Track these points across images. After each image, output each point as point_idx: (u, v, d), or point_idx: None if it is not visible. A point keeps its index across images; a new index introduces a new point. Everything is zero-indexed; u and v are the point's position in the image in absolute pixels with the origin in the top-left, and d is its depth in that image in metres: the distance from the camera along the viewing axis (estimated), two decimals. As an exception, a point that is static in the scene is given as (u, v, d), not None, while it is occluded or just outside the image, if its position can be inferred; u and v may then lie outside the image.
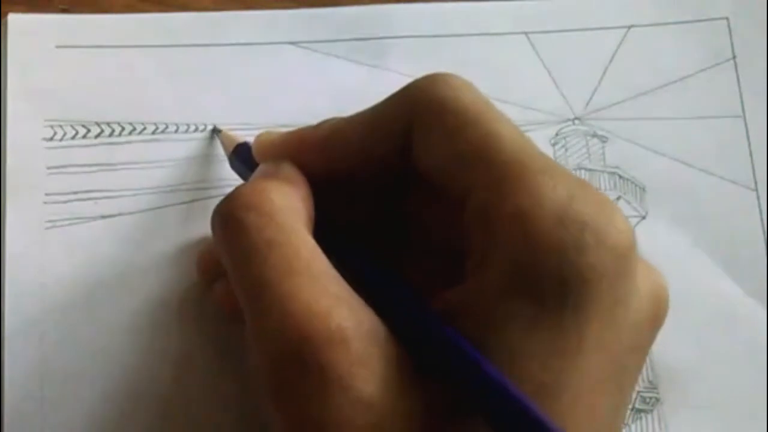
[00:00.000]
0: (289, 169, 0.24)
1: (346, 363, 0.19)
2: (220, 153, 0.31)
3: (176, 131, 0.32)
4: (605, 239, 0.19)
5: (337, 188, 0.24)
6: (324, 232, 0.23)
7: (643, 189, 0.33)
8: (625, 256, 0.19)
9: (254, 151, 0.26)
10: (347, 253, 0.23)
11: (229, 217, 0.22)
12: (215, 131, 0.31)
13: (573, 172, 0.25)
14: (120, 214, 0.31)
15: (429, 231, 0.24)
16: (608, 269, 0.19)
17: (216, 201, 0.31)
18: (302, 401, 0.19)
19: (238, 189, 0.23)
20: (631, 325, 0.20)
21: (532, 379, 0.18)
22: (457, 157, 0.21)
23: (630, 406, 0.30)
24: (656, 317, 0.21)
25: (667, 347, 0.31)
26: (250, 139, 0.32)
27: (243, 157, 0.28)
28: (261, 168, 0.25)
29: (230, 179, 0.31)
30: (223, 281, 0.28)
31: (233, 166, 0.29)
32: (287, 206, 0.22)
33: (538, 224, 0.19)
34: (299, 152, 0.24)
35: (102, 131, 0.31)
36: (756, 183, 0.33)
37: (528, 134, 0.32)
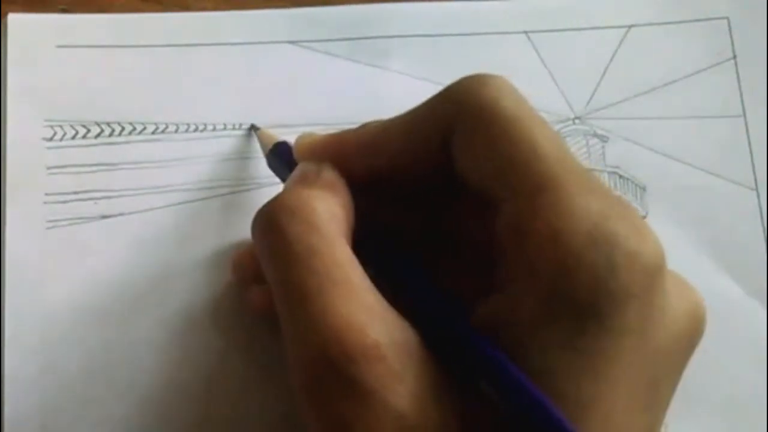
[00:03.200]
0: (330, 174, 0.24)
1: (380, 378, 0.19)
2: (221, 153, 0.31)
3: (176, 131, 0.32)
4: (636, 259, 0.19)
5: (377, 192, 0.24)
6: (363, 238, 0.23)
7: (643, 189, 0.33)
8: (656, 276, 0.19)
9: (295, 152, 0.26)
10: (384, 262, 0.23)
11: (272, 222, 0.22)
12: (253, 128, 0.31)
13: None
14: (120, 215, 0.31)
15: (467, 237, 0.24)
16: (640, 289, 0.19)
17: (217, 201, 0.31)
18: (335, 413, 0.19)
19: (280, 195, 0.23)
20: (666, 343, 0.20)
21: (565, 398, 0.18)
22: (495, 163, 0.21)
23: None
24: (692, 336, 0.21)
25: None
26: (253, 141, 0.32)
27: (282, 156, 0.28)
28: (301, 169, 0.25)
29: (231, 179, 0.31)
30: (259, 286, 0.28)
31: (270, 165, 0.29)
32: (329, 214, 0.22)
33: (570, 243, 0.19)
34: (340, 154, 0.24)
35: (102, 131, 0.31)
36: (756, 183, 0.33)
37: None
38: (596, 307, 0.19)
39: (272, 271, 0.22)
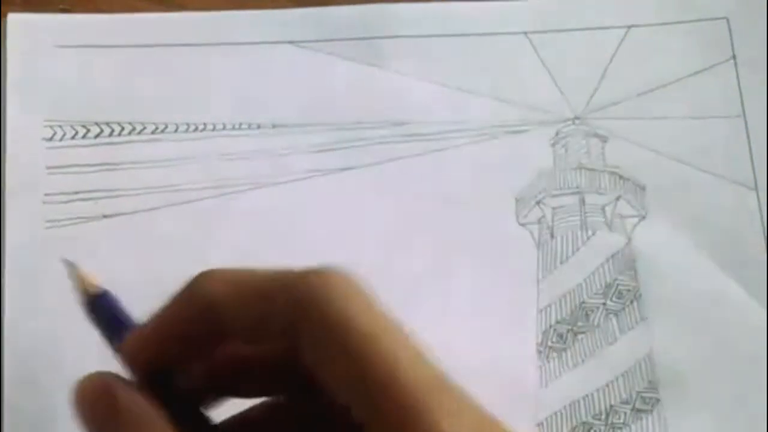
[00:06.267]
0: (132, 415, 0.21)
1: None
2: (221, 153, 0.31)
3: (176, 131, 0.32)
4: None
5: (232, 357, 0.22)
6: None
7: (643, 189, 0.33)
8: None
9: (125, 360, 0.23)
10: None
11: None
12: (69, 265, 0.25)
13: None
14: (120, 214, 0.31)
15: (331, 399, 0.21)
16: None
17: (216, 201, 0.31)
18: None
19: None
20: None
21: None
22: (354, 384, 0.19)
23: (630, 407, 0.30)
24: None
25: (667, 347, 0.31)
26: (252, 141, 0.32)
27: (102, 312, 0.24)
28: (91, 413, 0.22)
29: (231, 179, 0.31)
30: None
31: (89, 316, 0.24)
32: None
33: None
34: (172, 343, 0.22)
35: (102, 131, 0.31)
36: (756, 183, 0.33)
37: (528, 134, 0.33)
38: None
39: None
